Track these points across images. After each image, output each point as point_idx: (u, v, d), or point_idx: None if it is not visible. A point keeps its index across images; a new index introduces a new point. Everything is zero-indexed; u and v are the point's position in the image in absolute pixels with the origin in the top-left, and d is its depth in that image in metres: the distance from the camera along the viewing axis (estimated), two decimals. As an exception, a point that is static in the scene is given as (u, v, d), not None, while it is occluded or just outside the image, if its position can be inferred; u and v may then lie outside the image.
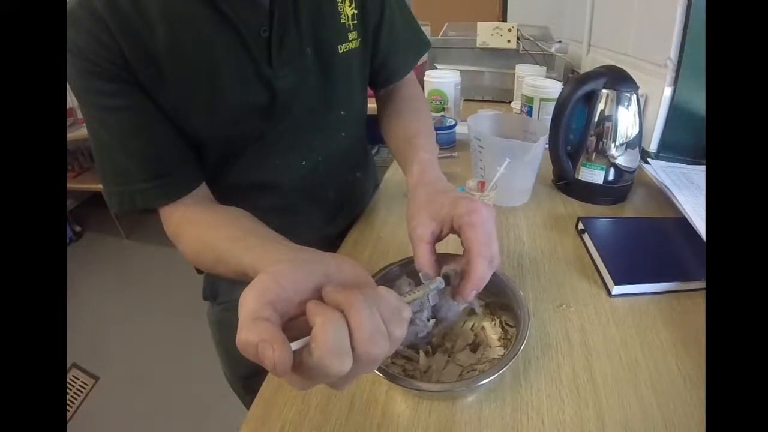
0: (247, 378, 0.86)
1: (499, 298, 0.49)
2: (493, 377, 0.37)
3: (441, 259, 0.45)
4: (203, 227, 0.49)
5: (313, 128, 0.63)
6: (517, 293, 0.46)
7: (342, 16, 0.59)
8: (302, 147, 0.64)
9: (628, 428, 0.38)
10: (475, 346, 0.46)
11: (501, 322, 0.48)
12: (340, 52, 0.60)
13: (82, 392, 1.62)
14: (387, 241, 0.70)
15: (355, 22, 0.61)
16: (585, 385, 0.43)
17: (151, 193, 0.52)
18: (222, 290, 0.79)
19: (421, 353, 0.46)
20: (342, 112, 0.66)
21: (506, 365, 0.38)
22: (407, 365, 0.45)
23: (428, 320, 0.44)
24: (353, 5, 0.60)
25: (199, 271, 0.82)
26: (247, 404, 0.93)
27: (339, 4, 0.59)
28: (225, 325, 0.82)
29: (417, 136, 0.61)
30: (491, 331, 0.48)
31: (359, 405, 0.43)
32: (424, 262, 0.43)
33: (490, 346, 0.46)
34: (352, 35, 0.61)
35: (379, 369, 0.40)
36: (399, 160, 0.65)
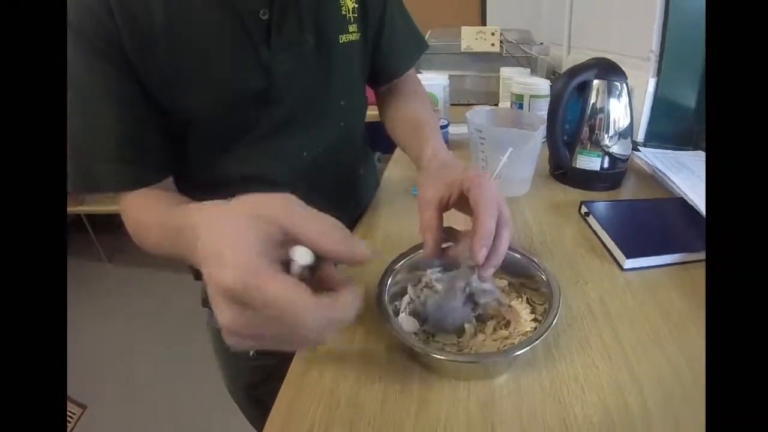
0: (251, 388, 0.84)
1: (522, 277, 0.50)
2: (536, 343, 0.39)
3: (447, 233, 0.46)
4: (143, 208, 0.50)
5: (312, 117, 0.63)
6: (541, 265, 0.47)
7: (343, 8, 0.61)
8: (302, 136, 0.63)
9: (662, 386, 0.40)
10: (506, 323, 0.47)
11: (528, 299, 0.49)
12: (340, 42, 0.61)
13: (69, 421, 1.55)
14: (394, 236, 0.70)
15: (356, 15, 0.63)
16: (615, 351, 0.44)
17: (108, 177, 0.51)
18: None
19: (468, 327, 0.46)
20: (342, 103, 0.66)
21: (546, 331, 0.39)
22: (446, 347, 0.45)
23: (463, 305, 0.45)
24: None
25: (197, 278, 0.81)
26: (252, 417, 0.91)
27: None
28: None
29: (427, 124, 0.63)
30: (520, 308, 0.48)
31: (393, 395, 0.41)
32: (428, 224, 0.44)
33: (520, 322, 0.47)
34: (352, 27, 0.63)
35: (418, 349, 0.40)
36: (408, 142, 0.66)
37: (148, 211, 0.49)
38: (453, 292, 0.44)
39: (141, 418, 1.60)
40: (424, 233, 0.44)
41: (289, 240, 0.29)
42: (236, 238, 0.28)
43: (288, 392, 0.43)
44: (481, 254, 0.39)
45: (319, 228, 0.31)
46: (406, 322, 0.47)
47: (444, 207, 0.46)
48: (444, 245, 0.46)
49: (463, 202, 0.45)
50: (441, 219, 0.45)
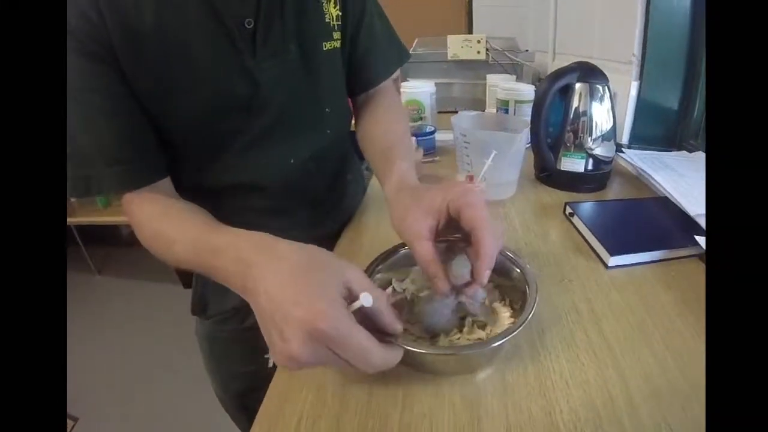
0: (241, 396, 0.83)
1: (500, 275, 0.50)
2: (513, 334, 0.39)
3: (438, 247, 0.45)
4: (164, 218, 0.51)
5: (298, 124, 0.63)
6: (516, 261, 0.48)
7: (327, 16, 0.61)
8: (289, 143, 0.63)
9: (649, 381, 0.40)
10: (483, 324, 0.47)
11: (506, 297, 0.50)
12: (324, 49, 0.62)
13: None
14: (381, 240, 0.70)
15: (339, 23, 0.64)
16: (600, 347, 0.44)
17: (107, 179, 0.51)
18: (211, 303, 0.77)
19: (441, 335, 0.45)
20: (327, 110, 0.66)
21: (524, 323, 0.40)
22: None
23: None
24: (337, 7, 0.63)
25: (186, 286, 0.80)
26: (242, 424, 0.90)
27: (324, 4, 0.61)
28: (215, 340, 0.80)
29: (394, 146, 0.62)
30: (500, 309, 0.49)
31: (378, 389, 0.42)
32: (427, 259, 0.43)
33: (499, 319, 0.47)
34: (336, 35, 0.63)
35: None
36: (375, 168, 0.65)
37: (173, 224, 0.50)
38: (444, 298, 0.44)
39: (133, 428, 1.58)
40: (429, 268, 0.43)
41: (349, 295, 0.37)
42: (323, 292, 0.35)
43: (277, 388, 0.43)
44: (486, 278, 0.41)
45: (378, 294, 0.38)
46: None
47: (435, 236, 0.44)
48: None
49: (450, 224, 0.44)
50: (435, 248, 0.44)
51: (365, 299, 0.36)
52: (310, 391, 0.42)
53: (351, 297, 0.36)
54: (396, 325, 0.39)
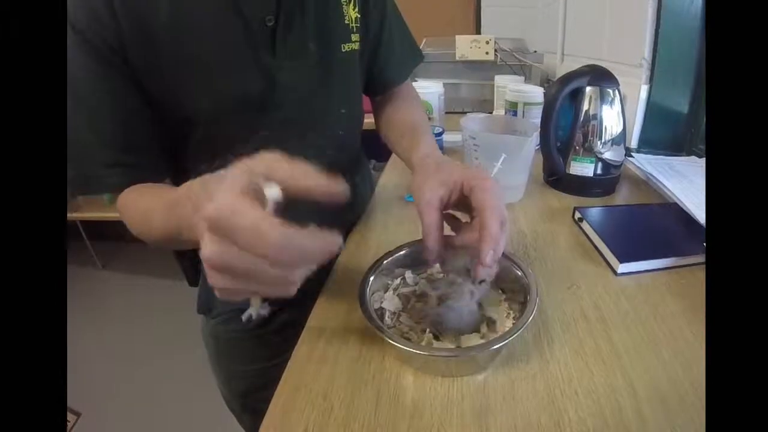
0: (245, 395, 0.83)
1: (503, 279, 0.51)
2: (513, 337, 0.40)
3: (447, 240, 0.46)
4: (142, 198, 0.51)
5: (312, 124, 0.63)
6: (518, 262, 0.49)
7: (346, 18, 0.62)
8: (301, 144, 0.62)
9: (657, 390, 0.39)
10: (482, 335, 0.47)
11: (507, 300, 0.50)
12: (342, 50, 0.62)
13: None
14: (389, 242, 0.70)
15: (358, 25, 0.64)
16: (609, 355, 0.44)
17: (108, 178, 0.52)
18: (216, 303, 0.77)
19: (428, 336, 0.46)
20: (342, 111, 0.67)
21: (524, 325, 0.40)
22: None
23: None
24: (356, 9, 0.63)
25: (192, 284, 0.80)
26: (247, 425, 0.90)
27: (344, 5, 0.61)
28: (221, 339, 0.80)
29: (420, 127, 0.65)
30: (503, 314, 0.49)
31: (386, 397, 0.42)
32: (430, 228, 0.44)
33: (501, 323, 0.47)
34: (354, 37, 0.64)
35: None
36: (400, 146, 0.66)
37: (149, 197, 0.50)
38: (461, 294, 0.44)
39: (135, 425, 1.59)
40: (427, 238, 0.44)
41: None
42: (227, 184, 0.30)
43: (281, 397, 0.43)
44: (490, 257, 0.41)
45: (294, 169, 0.32)
46: (389, 300, 0.49)
47: (444, 207, 0.46)
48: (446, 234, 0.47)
49: (462, 202, 0.46)
50: (442, 221, 0.46)
51: (271, 193, 0.30)
52: (317, 399, 0.42)
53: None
54: (332, 187, 0.34)
